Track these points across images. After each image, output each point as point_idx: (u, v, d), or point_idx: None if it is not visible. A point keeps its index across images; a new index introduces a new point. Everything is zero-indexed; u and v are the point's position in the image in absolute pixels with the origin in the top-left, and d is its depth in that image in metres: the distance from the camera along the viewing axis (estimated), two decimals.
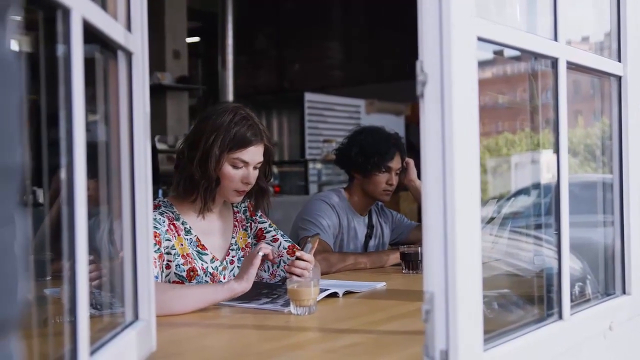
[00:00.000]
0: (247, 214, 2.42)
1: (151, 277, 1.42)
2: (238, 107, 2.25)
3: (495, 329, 1.35)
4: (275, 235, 2.41)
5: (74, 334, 1.01)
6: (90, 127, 1.11)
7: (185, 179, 2.20)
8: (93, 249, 1.15)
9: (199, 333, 1.75)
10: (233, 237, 2.35)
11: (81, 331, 1.02)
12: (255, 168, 2.23)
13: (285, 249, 2.36)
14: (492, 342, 1.30)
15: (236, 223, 2.38)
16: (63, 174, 1.01)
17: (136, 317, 1.38)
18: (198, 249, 2.22)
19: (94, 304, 1.35)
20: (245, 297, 2.04)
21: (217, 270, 2.25)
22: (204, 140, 2.16)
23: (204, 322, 1.83)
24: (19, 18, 0.64)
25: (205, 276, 2.21)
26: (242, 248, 2.36)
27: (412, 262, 2.65)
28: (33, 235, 1.54)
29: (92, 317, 1.08)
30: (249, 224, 2.41)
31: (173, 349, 1.55)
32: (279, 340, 1.64)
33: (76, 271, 1.02)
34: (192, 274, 2.17)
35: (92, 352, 1.09)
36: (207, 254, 2.24)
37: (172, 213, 2.22)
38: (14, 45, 0.61)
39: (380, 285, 2.35)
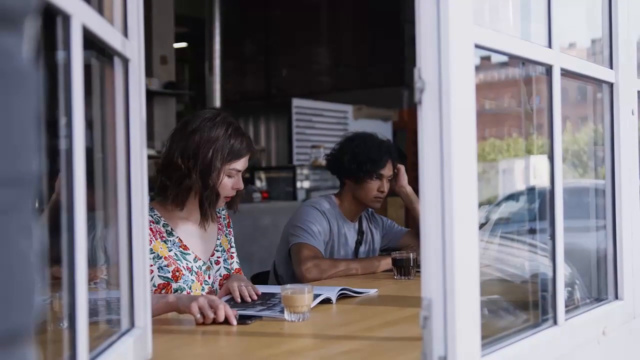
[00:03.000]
0: (226, 222, 2.51)
1: (147, 284, 1.41)
2: (226, 117, 2.31)
3: (491, 334, 1.36)
4: (234, 253, 2.50)
5: (73, 342, 1.01)
6: (85, 133, 1.11)
7: (185, 190, 2.24)
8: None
9: (193, 340, 1.74)
10: (218, 239, 2.42)
11: (80, 339, 1.01)
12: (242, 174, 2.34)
13: (221, 276, 2.40)
14: (489, 347, 1.30)
15: (220, 226, 2.45)
16: (62, 181, 1.01)
17: (132, 324, 1.37)
18: (180, 249, 2.27)
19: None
20: (241, 306, 2.03)
21: (201, 270, 2.30)
22: (202, 153, 2.21)
23: (199, 329, 1.82)
24: (36, 26, 0.64)
25: (191, 275, 2.26)
26: (227, 250, 2.44)
27: (404, 268, 2.66)
28: None
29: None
30: (228, 231, 2.51)
31: (168, 356, 1.54)
32: (274, 347, 1.64)
33: (75, 279, 1.01)
34: (177, 274, 2.22)
35: None
36: (189, 254, 2.28)
37: (152, 216, 2.26)
38: (31, 54, 0.61)
39: (373, 291, 2.35)
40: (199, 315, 1.84)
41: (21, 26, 0.59)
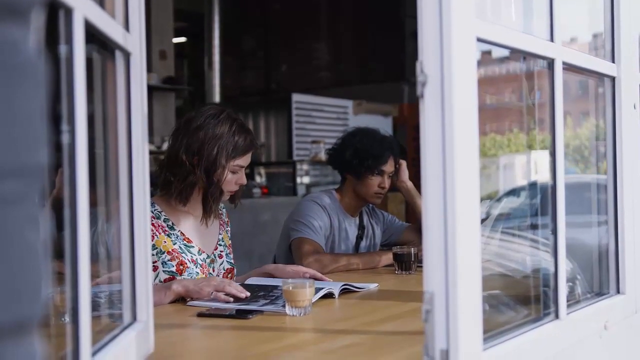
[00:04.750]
0: (226, 219, 2.53)
1: (149, 278, 1.41)
2: (230, 114, 2.32)
3: (493, 328, 1.36)
4: (229, 251, 2.50)
5: (76, 335, 1.01)
6: (87, 128, 1.11)
7: (189, 186, 2.26)
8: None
9: (196, 334, 1.74)
10: (220, 234, 2.44)
11: (83, 333, 1.01)
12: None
13: (224, 270, 2.43)
14: (491, 341, 1.30)
15: (221, 222, 2.47)
16: (65, 175, 1.01)
17: (134, 318, 1.37)
18: (184, 242, 2.29)
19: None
20: (243, 301, 2.03)
21: (205, 262, 2.32)
22: (207, 150, 2.23)
23: (201, 323, 1.82)
24: (42, 17, 0.64)
25: (196, 267, 2.28)
26: (228, 246, 2.46)
27: (405, 263, 2.66)
28: None
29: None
30: (227, 229, 2.53)
31: (170, 350, 1.54)
32: (276, 341, 1.64)
33: (78, 273, 1.01)
34: (181, 267, 2.24)
35: (93, 354, 1.09)
36: (193, 247, 2.31)
37: (152, 212, 2.27)
38: (38, 45, 0.61)
39: (374, 286, 2.35)
40: (212, 295, 2.01)
41: (28, 18, 0.59)
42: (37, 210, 0.59)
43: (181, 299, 2.16)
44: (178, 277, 2.20)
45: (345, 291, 2.22)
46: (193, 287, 2.05)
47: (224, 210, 2.53)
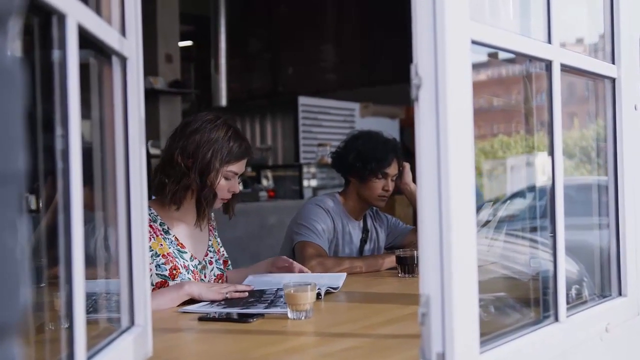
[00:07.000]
0: (214, 224, 2.55)
1: (147, 282, 1.41)
2: (227, 120, 2.36)
3: (491, 331, 1.35)
4: (224, 252, 2.53)
5: (71, 340, 1.01)
6: (84, 133, 1.11)
7: (183, 188, 2.28)
8: (88, 255, 1.15)
9: (195, 338, 1.74)
10: (209, 240, 2.46)
11: (78, 337, 1.01)
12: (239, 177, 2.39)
13: (215, 276, 2.45)
14: (489, 344, 1.30)
15: (211, 228, 2.50)
16: (58, 181, 1.01)
17: (132, 322, 1.37)
18: (178, 247, 2.31)
19: (89, 309, 1.35)
20: (236, 305, 2.03)
21: (197, 269, 2.34)
22: (201, 153, 2.26)
23: (199, 327, 1.82)
24: (20, 24, 0.64)
25: (187, 273, 2.29)
26: (217, 251, 2.49)
27: (408, 266, 2.65)
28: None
29: (87, 322, 1.07)
30: (216, 233, 2.55)
31: (169, 354, 1.54)
32: (276, 344, 1.64)
33: (73, 277, 1.01)
34: (174, 272, 2.25)
35: (89, 358, 1.09)
36: (186, 252, 2.33)
37: (149, 215, 2.28)
38: (15, 52, 0.61)
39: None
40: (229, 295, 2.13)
41: (5, 25, 0.59)
42: (16, 215, 0.59)
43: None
44: (171, 282, 2.22)
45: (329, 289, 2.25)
46: (207, 292, 2.11)
47: (212, 215, 2.55)
